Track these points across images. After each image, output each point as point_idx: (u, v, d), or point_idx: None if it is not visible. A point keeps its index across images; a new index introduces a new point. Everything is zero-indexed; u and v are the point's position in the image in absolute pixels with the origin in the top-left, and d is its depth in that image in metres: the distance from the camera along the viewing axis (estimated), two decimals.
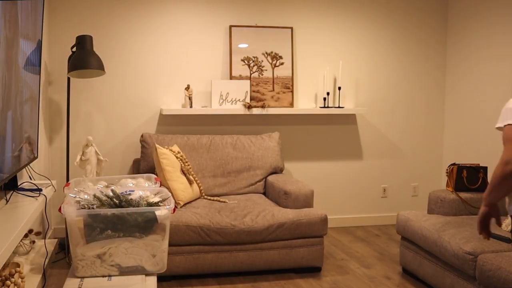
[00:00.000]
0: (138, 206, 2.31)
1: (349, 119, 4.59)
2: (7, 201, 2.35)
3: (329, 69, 4.45)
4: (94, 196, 2.33)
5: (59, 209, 2.25)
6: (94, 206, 2.27)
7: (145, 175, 2.90)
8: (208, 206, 3.50)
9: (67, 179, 3.82)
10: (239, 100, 4.17)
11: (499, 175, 1.82)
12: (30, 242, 2.81)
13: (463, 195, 3.37)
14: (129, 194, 2.40)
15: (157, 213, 2.31)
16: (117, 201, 2.32)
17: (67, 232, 2.14)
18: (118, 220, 2.26)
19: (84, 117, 4.08)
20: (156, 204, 2.36)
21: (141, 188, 2.58)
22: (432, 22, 4.69)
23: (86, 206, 2.27)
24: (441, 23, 4.72)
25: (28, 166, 2.86)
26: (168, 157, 3.54)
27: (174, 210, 2.41)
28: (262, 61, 4.29)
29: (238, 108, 4.15)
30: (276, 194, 3.71)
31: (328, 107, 4.39)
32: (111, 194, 2.34)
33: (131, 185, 2.74)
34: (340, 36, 4.51)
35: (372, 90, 4.62)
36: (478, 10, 4.34)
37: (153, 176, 2.90)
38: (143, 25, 4.12)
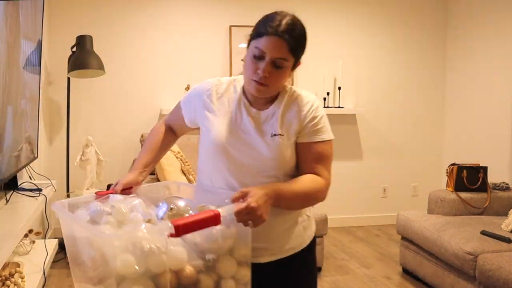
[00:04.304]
0: None
1: (349, 119, 4.58)
2: (7, 201, 2.35)
3: (329, 69, 4.45)
4: None
5: None
6: None
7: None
8: None
9: (67, 179, 3.82)
10: None
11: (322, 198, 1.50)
12: (30, 242, 2.80)
13: (463, 195, 3.37)
14: None
15: None
16: None
17: None
18: None
19: (84, 117, 4.08)
20: None
21: None
22: (432, 22, 4.69)
23: None
24: (441, 23, 4.71)
25: (28, 166, 2.86)
26: (168, 157, 3.54)
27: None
28: None
29: None
30: None
31: (328, 107, 4.39)
32: None
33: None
34: (340, 36, 4.51)
35: (372, 90, 4.61)
36: (477, 10, 4.34)
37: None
38: (143, 25, 4.12)
